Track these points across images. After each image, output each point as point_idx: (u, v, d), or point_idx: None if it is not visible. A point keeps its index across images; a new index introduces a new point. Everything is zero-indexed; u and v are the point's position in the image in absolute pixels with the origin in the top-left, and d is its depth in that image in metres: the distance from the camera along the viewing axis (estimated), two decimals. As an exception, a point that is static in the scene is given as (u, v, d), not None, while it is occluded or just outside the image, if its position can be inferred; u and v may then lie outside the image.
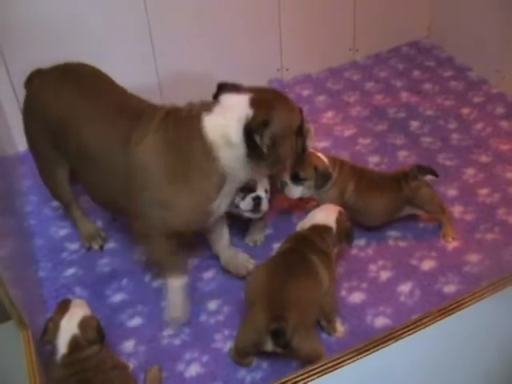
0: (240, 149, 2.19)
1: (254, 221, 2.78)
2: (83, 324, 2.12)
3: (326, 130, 3.43)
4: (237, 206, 2.56)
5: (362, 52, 3.99)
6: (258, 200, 2.54)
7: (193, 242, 2.76)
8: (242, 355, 2.32)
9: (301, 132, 2.38)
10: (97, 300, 2.59)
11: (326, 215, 2.49)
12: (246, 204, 2.54)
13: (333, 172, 2.75)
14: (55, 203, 3.07)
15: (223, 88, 2.33)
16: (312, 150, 2.73)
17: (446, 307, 1.70)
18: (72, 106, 2.44)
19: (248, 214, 2.60)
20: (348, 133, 3.40)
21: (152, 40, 3.34)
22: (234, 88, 2.31)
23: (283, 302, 2.17)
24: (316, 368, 1.56)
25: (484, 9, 3.62)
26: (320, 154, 2.77)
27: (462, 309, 1.70)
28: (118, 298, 2.63)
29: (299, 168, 2.69)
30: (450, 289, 2.55)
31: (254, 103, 2.20)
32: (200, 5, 3.39)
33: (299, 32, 3.59)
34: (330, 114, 3.57)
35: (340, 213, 2.50)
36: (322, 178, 2.71)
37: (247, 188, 2.51)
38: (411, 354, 1.66)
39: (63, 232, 2.95)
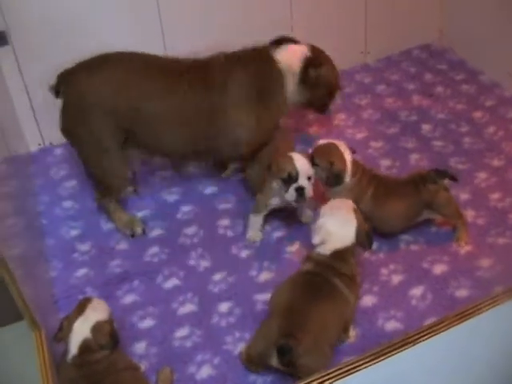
0: (297, 77, 2.93)
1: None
2: (96, 329, 2.12)
3: (338, 132, 3.43)
4: (282, 198, 2.70)
5: (373, 55, 3.98)
6: (300, 190, 2.60)
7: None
8: (251, 363, 2.32)
9: (333, 91, 3.11)
10: (108, 301, 2.50)
11: (344, 229, 2.37)
12: (289, 195, 2.63)
13: (350, 177, 2.71)
14: (67, 203, 3.10)
15: (282, 40, 3.00)
16: (343, 148, 2.75)
17: (463, 312, 1.69)
18: (139, 84, 2.74)
19: (294, 204, 2.72)
20: (360, 136, 3.39)
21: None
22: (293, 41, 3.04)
23: (301, 322, 2.16)
24: (332, 372, 1.55)
25: (495, 12, 3.60)
26: (347, 155, 2.73)
27: (479, 314, 1.69)
28: (129, 299, 2.63)
29: (317, 153, 2.73)
30: (461, 293, 2.55)
31: (312, 51, 3.01)
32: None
33: (311, 34, 3.55)
34: (341, 116, 3.56)
35: (358, 219, 2.40)
36: (335, 177, 2.70)
37: (290, 179, 2.61)
38: (427, 359, 1.65)
39: (74, 232, 2.95)
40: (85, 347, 2.09)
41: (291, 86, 2.93)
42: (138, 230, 2.91)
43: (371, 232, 2.45)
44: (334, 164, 2.68)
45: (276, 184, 2.67)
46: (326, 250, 2.37)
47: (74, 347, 2.10)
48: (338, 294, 2.29)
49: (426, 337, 1.64)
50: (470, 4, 3.79)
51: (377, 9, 3.80)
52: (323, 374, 1.55)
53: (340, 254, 2.36)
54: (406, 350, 1.61)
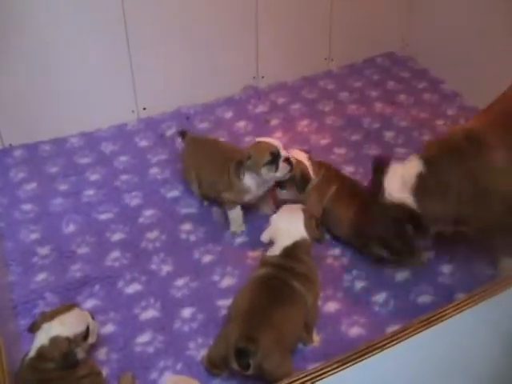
0: None
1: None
2: (53, 342, 2.05)
3: (302, 138, 3.44)
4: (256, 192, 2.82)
5: (336, 62, 4.01)
6: (288, 160, 2.68)
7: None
8: (213, 367, 2.29)
9: None
10: (68, 306, 2.54)
11: (291, 224, 2.41)
12: (282, 170, 2.68)
13: (315, 176, 2.78)
14: (26, 206, 3.03)
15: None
16: (297, 152, 2.81)
17: (427, 318, 1.70)
18: None
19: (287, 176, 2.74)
20: (324, 142, 3.41)
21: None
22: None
23: (260, 324, 2.15)
24: (297, 379, 1.54)
25: (458, 23, 3.67)
26: (303, 157, 2.78)
27: (443, 320, 1.70)
28: (89, 304, 2.57)
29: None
30: (424, 299, 2.57)
31: None
32: (176, 12, 3.38)
33: (275, 40, 3.59)
34: (305, 122, 3.58)
35: (305, 214, 2.43)
36: (302, 181, 2.74)
37: (276, 156, 2.66)
38: (393, 366, 1.65)
39: (34, 236, 2.88)
40: (40, 353, 2.04)
41: None
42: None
43: (322, 226, 2.51)
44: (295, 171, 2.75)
45: (264, 170, 2.68)
46: (276, 249, 2.39)
47: (33, 348, 2.06)
48: (296, 295, 2.29)
49: (391, 343, 1.64)
50: (433, 14, 3.87)
51: (341, 16, 3.83)
52: (291, 381, 1.54)
53: (292, 252, 2.37)
54: (373, 357, 1.61)
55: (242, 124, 3.58)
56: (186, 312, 2.54)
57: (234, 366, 2.14)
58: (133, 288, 2.64)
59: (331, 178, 2.80)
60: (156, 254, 2.78)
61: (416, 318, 1.73)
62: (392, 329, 2.41)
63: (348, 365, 1.59)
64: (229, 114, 3.64)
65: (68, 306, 2.19)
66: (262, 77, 3.78)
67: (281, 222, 2.42)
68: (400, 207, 2.40)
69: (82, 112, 3.42)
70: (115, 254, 2.79)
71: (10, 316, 2.50)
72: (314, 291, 2.37)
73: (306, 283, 2.33)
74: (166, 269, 2.72)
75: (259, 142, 2.74)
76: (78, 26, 3.21)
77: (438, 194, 2.37)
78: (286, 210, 2.48)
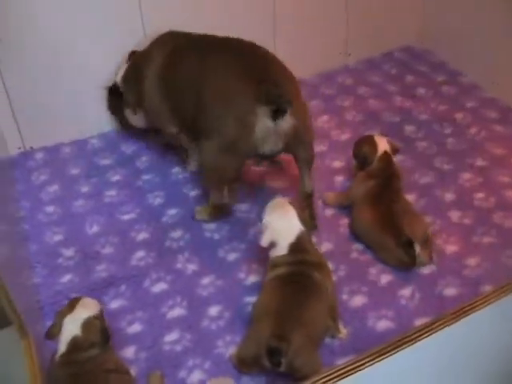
0: None
1: None
2: (86, 326, 2.08)
3: (323, 133, 3.42)
4: None
5: (354, 56, 4.00)
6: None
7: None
8: (243, 365, 2.29)
9: None
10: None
11: (289, 223, 2.39)
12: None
13: (377, 162, 2.86)
14: (49, 208, 3.05)
15: None
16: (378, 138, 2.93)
17: (459, 310, 1.68)
18: None
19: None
20: (344, 137, 3.39)
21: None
22: None
23: (290, 321, 2.15)
24: (332, 373, 1.53)
25: (475, 14, 3.65)
26: (381, 144, 2.89)
27: (475, 311, 1.69)
28: (116, 304, 2.58)
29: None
30: (450, 292, 2.55)
31: None
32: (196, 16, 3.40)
33: (293, 36, 3.58)
34: (324, 117, 3.57)
35: (295, 207, 2.43)
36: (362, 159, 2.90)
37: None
38: (427, 358, 1.64)
39: (58, 237, 2.89)
40: (73, 345, 2.05)
41: None
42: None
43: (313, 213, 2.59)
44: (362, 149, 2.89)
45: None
46: (281, 249, 2.37)
47: (62, 345, 2.07)
48: (318, 286, 2.29)
49: (424, 335, 1.63)
50: (450, 7, 3.83)
51: (358, 10, 3.83)
52: (325, 375, 1.54)
53: (298, 247, 2.37)
54: (406, 349, 1.60)
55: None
56: (213, 310, 2.53)
57: (266, 364, 2.13)
58: (159, 287, 2.64)
59: (381, 174, 2.83)
60: (181, 252, 2.78)
61: (446, 310, 1.72)
62: (419, 322, 2.43)
63: (382, 358, 1.58)
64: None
65: (74, 299, 2.21)
66: (280, 73, 3.77)
67: (276, 223, 2.39)
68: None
69: (102, 113, 3.43)
70: (140, 253, 2.79)
71: (37, 317, 2.52)
72: (329, 275, 2.39)
73: (321, 270, 2.34)
74: (192, 267, 2.72)
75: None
76: (97, 28, 3.23)
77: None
78: (275, 208, 2.44)
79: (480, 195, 3.00)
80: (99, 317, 2.15)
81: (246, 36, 3.39)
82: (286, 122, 2.55)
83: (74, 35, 3.20)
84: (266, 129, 2.54)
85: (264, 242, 2.38)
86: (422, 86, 3.80)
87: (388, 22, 3.97)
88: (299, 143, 2.68)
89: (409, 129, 3.45)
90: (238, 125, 2.56)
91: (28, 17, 3.07)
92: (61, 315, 2.12)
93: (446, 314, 1.70)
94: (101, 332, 2.10)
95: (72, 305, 2.15)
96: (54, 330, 2.11)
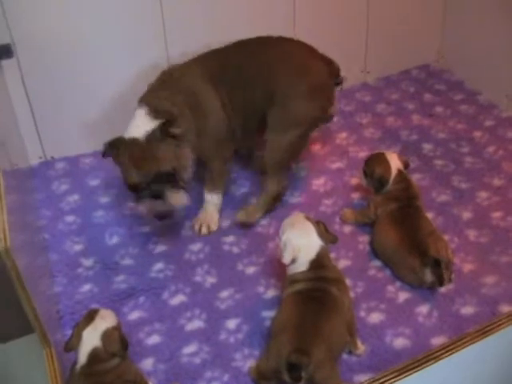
0: None
1: None
2: (105, 336, 2.09)
3: (341, 150, 3.45)
4: None
5: (372, 74, 4.03)
6: None
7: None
8: (262, 379, 2.30)
9: None
10: (114, 317, 2.57)
11: (309, 239, 2.39)
12: None
13: (393, 185, 2.88)
14: (69, 218, 3.07)
15: None
16: (390, 157, 2.93)
17: (483, 328, 1.70)
18: None
19: None
20: (362, 154, 3.39)
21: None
22: None
23: (311, 337, 2.16)
24: (358, 388, 1.55)
25: (494, 34, 3.67)
26: (393, 164, 2.90)
27: (499, 330, 1.70)
28: (135, 315, 2.59)
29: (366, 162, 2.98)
30: (467, 310, 2.55)
31: None
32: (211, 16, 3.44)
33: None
34: (343, 135, 3.59)
35: (312, 222, 2.43)
36: (377, 182, 2.89)
37: None
38: (451, 375, 1.66)
39: (78, 247, 2.91)
40: (94, 356, 2.06)
41: None
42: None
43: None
44: (375, 171, 2.86)
45: None
46: (301, 265, 2.37)
47: (83, 356, 2.08)
48: (337, 301, 2.29)
49: (448, 352, 1.65)
50: (469, 27, 3.85)
51: (378, 30, 3.85)
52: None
53: (318, 263, 2.37)
54: (430, 367, 1.62)
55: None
56: (231, 323, 2.55)
57: (286, 378, 2.14)
58: (178, 299, 2.65)
59: (400, 195, 2.85)
60: (200, 265, 2.80)
61: (465, 330, 1.74)
62: (436, 340, 2.43)
63: (405, 375, 1.60)
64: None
65: (91, 310, 2.22)
66: (299, 89, 3.80)
67: (297, 240, 2.38)
68: None
69: (123, 125, 3.45)
70: (159, 265, 2.81)
71: (56, 327, 2.54)
72: (347, 291, 2.40)
73: (340, 286, 2.35)
74: (210, 280, 2.73)
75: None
76: (117, 36, 3.27)
77: None
78: (294, 225, 2.43)
79: (497, 214, 3.00)
80: (117, 327, 2.17)
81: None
82: None
83: (97, 45, 3.23)
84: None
85: (286, 259, 2.37)
86: (440, 104, 3.82)
87: (407, 41, 3.99)
88: None
89: (427, 147, 3.46)
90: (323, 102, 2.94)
91: (51, 28, 3.11)
92: (79, 327, 2.13)
93: (470, 331, 1.72)
94: (120, 342, 2.11)
95: (90, 316, 2.16)
96: (73, 342, 2.12)
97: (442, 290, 2.64)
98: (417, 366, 1.60)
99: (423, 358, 1.61)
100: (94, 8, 3.14)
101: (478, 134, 3.55)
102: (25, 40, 3.07)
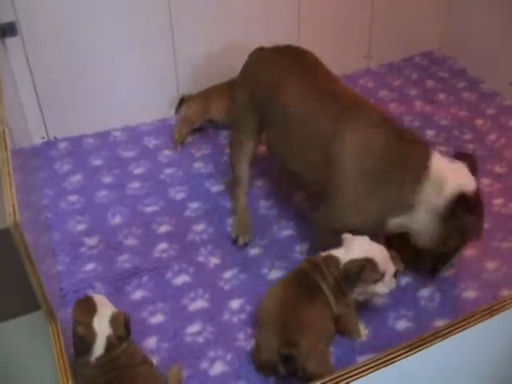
0: (439, 210, 2.30)
1: None
2: (113, 321, 2.06)
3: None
4: None
5: (376, 60, 4.04)
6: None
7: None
8: (262, 370, 2.30)
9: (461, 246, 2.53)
10: (117, 296, 2.56)
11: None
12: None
13: None
14: (72, 197, 3.07)
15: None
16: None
17: (490, 308, 1.72)
18: (286, 78, 2.63)
19: None
20: (365, 139, 3.41)
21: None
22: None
23: (296, 327, 2.17)
24: (368, 364, 1.56)
25: (496, 23, 3.68)
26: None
27: (505, 310, 1.72)
28: (138, 294, 2.60)
29: None
30: (469, 294, 2.57)
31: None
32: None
33: (317, 37, 3.60)
34: (346, 119, 3.58)
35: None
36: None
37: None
38: (458, 353, 1.68)
39: (81, 227, 2.92)
40: (109, 344, 2.04)
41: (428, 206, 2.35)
42: (241, 241, 2.80)
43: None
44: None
45: None
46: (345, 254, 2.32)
47: (99, 348, 2.03)
48: (324, 296, 2.28)
49: (455, 331, 1.66)
50: (472, 15, 3.87)
51: (381, 16, 3.86)
52: (342, 374, 1.56)
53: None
54: (437, 344, 1.63)
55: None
56: (235, 303, 2.56)
57: (282, 371, 2.17)
58: (181, 279, 2.66)
59: None
60: (203, 246, 2.80)
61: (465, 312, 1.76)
62: (438, 323, 2.46)
63: (413, 352, 1.61)
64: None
65: (85, 298, 2.16)
66: (302, 74, 3.81)
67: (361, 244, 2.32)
68: None
69: (125, 106, 3.46)
70: (162, 245, 2.81)
71: (60, 305, 2.54)
72: (344, 306, 2.33)
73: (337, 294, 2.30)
74: (214, 261, 2.74)
75: None
76: (122, 22, 3.25)
77: None
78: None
79: (499, 201, 3.02)
80: (120, 310, 2.13)
81: (271, 37, 3.44)
82: None
83: (101, 25, 3.22)
84: None
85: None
86: (442, 91, 3.83)
87: (410, 28, 4.00)
88: None
89: (429, 133, 3.47)
90: None
91: (55, 6, 3.10)
92: (83, 324, 2.04)
93: (477, 311, 1.73)
94: (125, 325, 2.08)
95: (89, 307, 2.09)
96: (89, 338, 2.03)
97: (445, 274, 2.66)
98: (424, 343, 1.61)
99: (431, 335, 1.62)
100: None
101: (480, 121, 3.56)
102: (29, 18, 3.06)
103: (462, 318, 1.69)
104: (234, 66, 3.21)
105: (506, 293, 2.57)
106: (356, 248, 2.29)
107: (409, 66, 4.08)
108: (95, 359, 2.04)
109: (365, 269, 2.23)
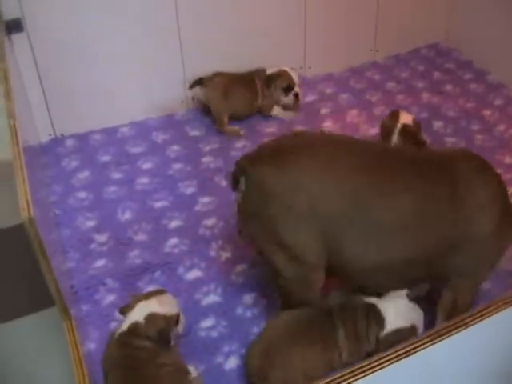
0: None
1: None
2: (149, 318, 2.06)
3: (353, 128, 3.45)
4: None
5: (382, 53, 4.04)
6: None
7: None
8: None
9: None
10: (130, 292, 2.53)
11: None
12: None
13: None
14: (80, 194, 3.06)
15: None
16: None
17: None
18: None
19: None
20: (373, 131, 3.40)
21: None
22: None
23: (277, 359, 2.13)
24: (392, 353, 1.55)
25: (501, 15, 3.67)
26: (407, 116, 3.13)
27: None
28: (151, 289, 2.58)
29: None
30: (484, 285, 2.55)
31: None
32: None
33: (324, 32, 3.60)
34: (354, 111, 3.58)
35: None
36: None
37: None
38: (478, 342, 1.67)
39: (90, 223, 2.90)
40: (133, 329, 2.04)
41: None
42: None
43: None
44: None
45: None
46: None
47: (125, 324, 2.07)
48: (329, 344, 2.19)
49: (478, 319, 1.65)
50: (477, 7, 3.87)
51: (387, 9, 3.85)
52: (344, 374, 1.54)
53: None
54: (460, 333, 1.62)
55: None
56: (247, 298, 2.55)
57: None
58: (193, 274, 2.65)
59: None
60: (214, 240, 2.79)
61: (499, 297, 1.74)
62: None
63: (435, 341, 1.60)
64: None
65: (159, 290, 2.20)
66: (309, 67, 3.81)
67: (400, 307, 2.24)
68: None
69: (132, 102, 3.45)
70: (173, 240, 2.80)
71: (71, 301, 2.52)
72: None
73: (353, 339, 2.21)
74: (225, 255, 2.73)
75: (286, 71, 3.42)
76: (129, 19, 3.23)
77: None
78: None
79: (510, 191, 3.01)
80: (169, 318, 2.11)
81: (278, 30, 3.44)
82: None
83: (106, 21, 3.20)
84: None
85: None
86: (449, 83, 3.82)
87: (416, 20, 4.00)
88: None
89: (437, 124, 3.46)
90: None
91: (60, 3, 3.08)
92: (136, 299, 2.13)
93: (497, 300, 1.71)
94: (159, 332, 2.07)
95: (150, 294, 2.15)
96: (126, 309, 2.11)
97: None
98: (447, 332, 1.59)
99: (453, 324, 1.60)
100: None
101: (487, 112, 3.55)
102: (35, 15, 3.04)
103: (484, 306, 1.68)
104: (241, 63, 3.24)
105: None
106: (403, 310, 2.21)
107: (415, 58, 4.07)
108: (118, 335, 2.06)
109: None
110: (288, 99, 3.49)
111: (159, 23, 3.30)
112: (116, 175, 3.17)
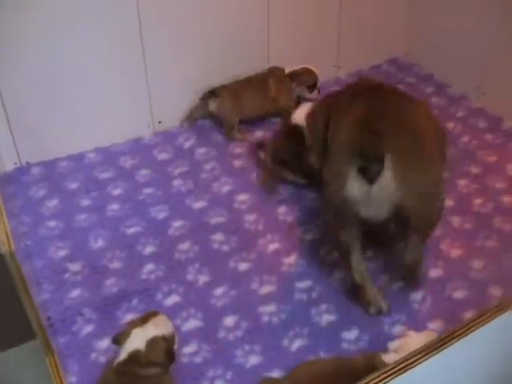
0: None
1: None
2: (151, 343, 2.05)
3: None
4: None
5: (344, 69, 4.08)
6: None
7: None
8: None
9: None
10: (108, 322, 2.51)
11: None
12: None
13: None
14: (51, 223, 2.99)
15: None
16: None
17: (501, 304, 1.73)
18: None
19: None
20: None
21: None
22: None
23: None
24: (388, 371, 1.55)
25: (459, 28, 3.75)
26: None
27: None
28: (129, 318, 2.48)
29: None
30: (459, 294, 2.61)
31: None
32: (190, 24, 3.42)
33: (287, 48, 3.63)
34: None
35: None
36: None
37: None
38: (473, 353, 1.68)
39: (63, 252, 2.84)
40: (133, 357, 2.02)
41: None
42: (385, 308, 2.56)
43: None
44: None
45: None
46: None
47: (124, 354, 2.04)
48: None
49: (472, 328, 1.66)
50: (435, 21, 3.95)
51: (348, 26, 3.91)
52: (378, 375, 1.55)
53: None
54: (455, 344, 1.63)
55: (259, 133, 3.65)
56: (229, 320, 2.53)
57: None
58: (172, 299, 2.62)
59: None
60: (191, 264, 2.76)
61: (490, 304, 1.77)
62: (433, 324, 2.50)
63: (431, 355, 1.61)
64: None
65: (152, 312, 2.17)
66: (274, 83, 3.83)
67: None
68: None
69: (98, 127, 3.40)
70: (149, 266, 2.76)
71: (49, 334, 2.46)
72: None
73: None
74: (203, 279, 2.70)
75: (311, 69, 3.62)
76: (93, 41, 3.19)
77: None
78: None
79: (478, 201, 3.07)
80: (168, 338, 2.11)
81: (241, 50, 3.44)
82: (380, 187, 2.23)
83: (71, 47, 3.16)
84: (357, 188, 2.26)
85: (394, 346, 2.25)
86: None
87: (377, 37, 4.06)
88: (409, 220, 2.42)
89: (402, 138, 3.49)
90: (333, 175, 2.36)
91: (25, 30, 3.03)
92: (132, 325, 2.10)
93: (490, 307, 1.74)
94: (165, 353, 2.06)
95: (146, 318, 2.12)
96: (122, 337, 2.08)
97: (434, 276, 2.69)
98: (441, 346, 1.60)
99: (446, 337, 1.62)
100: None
101: (451, 124, 3.61)
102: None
103: (474, 316, 1.70)
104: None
105: (494, 290, 2.62)
106: None
107: (377, 73, 4.12)
108: (116, 364, 2.04)
109: None
110: (312, 95, 3.71)
111: (123, 48, 3.27)
112: (85, 202, 3.12)
